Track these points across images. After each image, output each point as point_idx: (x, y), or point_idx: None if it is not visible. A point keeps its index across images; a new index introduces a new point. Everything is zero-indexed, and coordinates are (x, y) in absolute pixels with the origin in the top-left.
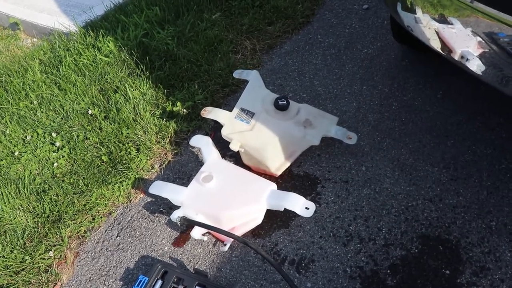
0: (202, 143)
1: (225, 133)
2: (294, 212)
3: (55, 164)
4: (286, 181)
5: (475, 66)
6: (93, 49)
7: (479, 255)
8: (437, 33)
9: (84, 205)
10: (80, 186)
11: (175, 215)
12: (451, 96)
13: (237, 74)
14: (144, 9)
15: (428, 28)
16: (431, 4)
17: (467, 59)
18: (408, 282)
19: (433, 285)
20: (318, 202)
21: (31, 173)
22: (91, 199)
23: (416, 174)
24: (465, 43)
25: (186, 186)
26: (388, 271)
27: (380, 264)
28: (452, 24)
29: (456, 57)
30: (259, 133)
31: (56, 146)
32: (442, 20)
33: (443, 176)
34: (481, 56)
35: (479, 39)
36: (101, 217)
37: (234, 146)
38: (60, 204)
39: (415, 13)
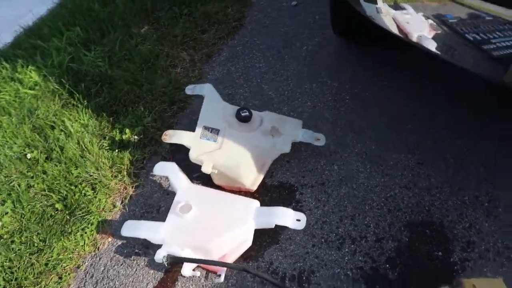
0: (167, 170)
1: (193, 156)
2: (281, 226)
3: None
4: (263, 195)
5: (430, 45)
6: (13, 83)
7: (462, 231)
8: (395, 19)
9: (46, 265)
10: (36, 244)
11: (160, 255)
12: (398, 84)
13: (189, 90)
14: (62, 30)
15: (387, 16)
16: None
17: (423, 40)
18: (408, 272)
19: (431, 269)
20: (300, 210)
21: None
22: (52, 256)
23: (386, 164)
24: (419, 27)
25: (160, 221)
26: (387, 265)
27: (377, 260)
28: (405, 9)
29: (414, 39)
30: (228, 150)
31: None
32: (398, 7)
33: (411, 162)
34: (434, 37)
35: (430, 21)
36: (68, 274)
37: (206, 169)
38: (16, 271)
39: (376, 3)
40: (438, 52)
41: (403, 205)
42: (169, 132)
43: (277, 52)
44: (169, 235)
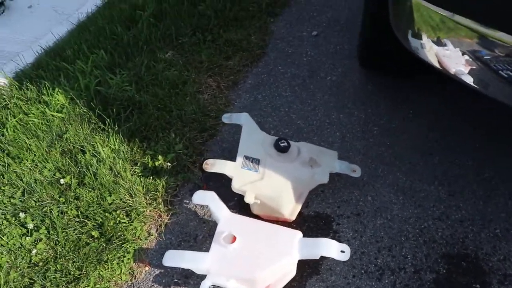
0: (207, 199)
1: (236, 186)
2: (321, 256)
3: (33, 251)
4: (300, 225)
5: (467, 79)
6: (40, 105)
7: (497, 263)
8: (436, 54)
9: None
10: (72, 272)
11: (205, 286)
12: (421, 115)
13: (226, 119)
14: (86, 53)
15: (430, 51)
16: (432, 28)
17: (460, 74)
18: None
19: None
20: (339, 240)
21: (1, 267)
22: (89, 285)
23: (418, 196)
24: (456, 62)
25: (199, 250)
26: None
27: None
28: (446, 45)
29: (452, 73)
30: (270, 180)
31: (28, 229)
32: (439, 43)
33: (441, 193)
34: (469, 71)
35: (466, 57)
36: None
37: (249, 199)
38: None
39: (421, 39)
40: (474, 86)
41: (438, 237)
42: (210, 161)
43: (302, 81)
44: (214, 266)
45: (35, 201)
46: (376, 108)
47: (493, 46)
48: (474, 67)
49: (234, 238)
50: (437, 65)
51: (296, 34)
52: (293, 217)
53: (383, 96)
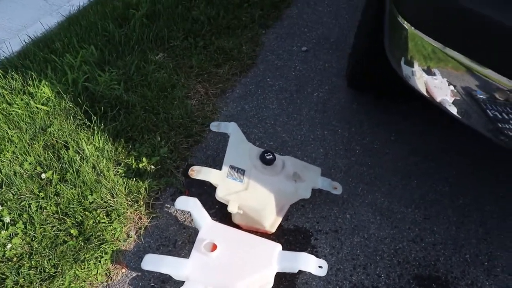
0: (190, 205)
1: (221, 195)
2: (298, 270)
3: (8, 246)
4: (279, 237)
5: (451, 108)
6: (25, 96)
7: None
8: (425, 82)
9: None
10: (47, 270)
11: None
12: (403, 138)
13: (214, 127)
14: (76, 47)
15: (420, 79)
16: (423, 57)
17: (445, 103)
18: None
19: None
20: (316, 255)
21: None
22: (63, 284)
23: (395, 217)
24: (443, 91)
25: (177, 255)
26: None
27: None
28: (435, 74)
29: (437, 101)
30: (255, 192)
31: (4, 222)
32: (429, 72)
33: (417, 216)
34: (453, 101)
35: (451, 88)
36: None
37: (232, 208)
38: None
39: (413, 67)
40: (457, 115)
41: (411, 258)
42: (196, 168)
43: (289, 95)
44: (193, 273)
45: (13, 194)
46: (360, 128)
47: (479, 81)
48: (458, 97)
49: (215, 247)
50: (425, 93)
51: (286, 48)
52: (273, 229)
53: (368, 117)
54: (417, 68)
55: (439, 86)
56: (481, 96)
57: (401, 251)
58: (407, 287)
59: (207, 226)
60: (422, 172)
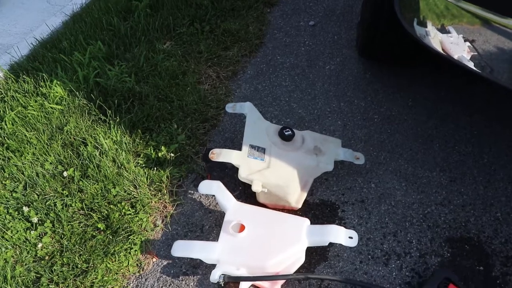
0: (213, 189)
1: (243, 175)
2: (329, 243)
3: (39, 245)
4: (305, 212)
5: (469, 64)
6: (38, 97)
7: (499, 246)
8: (441, 41)
9: (91, 287)
10: (79, 265)
11: (216, 275)
12: (420, 102)
13: (230, 108)
14: (83, 44)
15: (434, 38)
16: (436, 15)
17: (463, 60)
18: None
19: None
20: (345, 227)
21: (6, 262)
22: (97, 278)
23: (420, 182)
24: (460, 48)
25: (206, 239)
26: None
27: (423, 275)
28: (450, 32)
29: (455, 58)
30: (277, 169)
31: (32, 223)
32: (443, 30)
33: (443, 179)
34: (471, 57)
35: (468, 44)
36: None
37: (257, 188)
38: None
39: (426, 27)
40: (477, 70)
41: (441, 221)
42: (216, 150)
43: (301, 71)
44: (224, 255)
45: (37, 195)
46: (376, 96)
47: (498, 32)
48: (475, 53)
49: (243, 227)
50: (441, 52)
51: (293, 24)
52: (299, 205)
53: (383, 85)
54: (430, 27)
55: (455, 43)
56: (501, 47)
57: (430, 215)
58: (440, 251)
59: (233, 207)
60: (443, 134)
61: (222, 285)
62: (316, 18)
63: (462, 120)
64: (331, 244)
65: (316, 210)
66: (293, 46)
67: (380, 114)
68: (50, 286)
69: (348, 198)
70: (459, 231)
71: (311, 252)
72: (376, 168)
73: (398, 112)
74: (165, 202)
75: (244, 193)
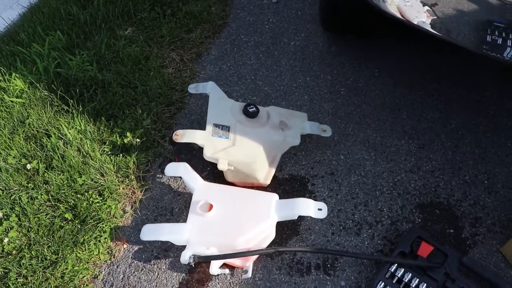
0: (180, 170)
1: (208, 154)
2: (299, 217)
3: (5, 240)
4: (275, 188)
5: (429, 28)
6: None
7: (468, 208)
8: (398, 7)
9: (62, 278)
10: (48, 257)
11: (186, 256)
12: (386, 72)
13: (192, 89)
14: (42, 35)
15: (392, 4)
16: None
17: (422, 24)
18: None
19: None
20: (315, 199)
21: None
22: (67, 268)
23: (389, 151)
24: (418, 13)
25: (176, 222)
26: None
27: (395, 242)
28: None
29: (414, 23)
30: (242, 146)
31: None
32: None
33: (411, 147)
34: (431, 20)
35: (426, 8)
36: (86, 285)
37: (222, 166)
38: (31, 287)
39: None
40: (437, 33)
41: (411, 188)
42: (180, 132)
43: (266, 49)
44: (193, 236)
45: (2, 190)
46: (342, 69)
47: None
48: (436, 16)
49: (211, 206)
50: (400, 17)
51: (256, 3)
52: (268, 181)
53: (348, 57)
54: None
55: (413, 8)
56: (461, 9)
57: (399, 183)
58: (411, 217)
59: (200, 187)
60: (411, 102)
61: (193, 265)
62: None
63: (429, 88)
64: (302, 218)
65: (286, 185)
66: (257, 25)
67: (347, 86)
68: (19, 280)
69: (317, 171)
70: (429, 196)
71: (282, 227)
72: (345, 140)
73: (364, 83)
74: (133, 187)
75: (213, 173)
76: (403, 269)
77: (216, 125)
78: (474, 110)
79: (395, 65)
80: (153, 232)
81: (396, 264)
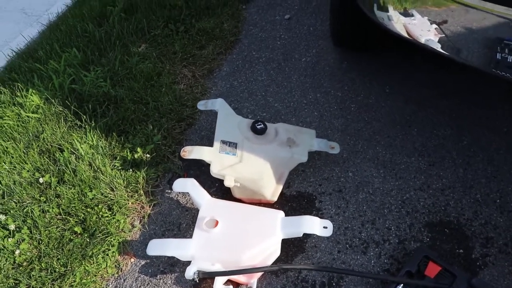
0: (188, 187)
1: (215, 170)
2: (305, 234)
3: (17, 252)
4: (282, 205)
5: (437, 46)
6: (14, 107)
7: (479, 227)
8: (404, 25)
9: None
10: (57, 270)
11: (190, 272)
12: (397, 89)
13: (201, 105)
14: (59, 52)
15: (398, 22)
16: (398, 0)
17: (430, 42)
18: None
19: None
20: (322, 217)
21: None
22: (75, 281)
23: (398, 168)
24: (426, 31)
25: (183, 237)
26: None
27: (402, 261)
28: (413, 15)
29: (422, 42)
30: (249, 163)
31: (10, 230)
32: (407, 14)
33: (421, 164)
34: (439, 39)
35: (434, 26)
36: None
37: (229, 183)
38: None
39: (388, 11)
40: (446, 52)
41: (420, 206)
42: (188, 148)
43: (277, 65)
44: (198, 251)
45: (15, 203)
46: (352, 85)
47: (466, 12)
48: (444, 35)
49: (217, 223)
50: (406, 36)
51: (269, 19)
52: (275, 198)
53: (359, 73)
54: (392, 12)
55: (420, 26)
56: (469, 27)
57: (408, 201)
58: (419, 236)
59: (206, 203)
60: (421, 119)
61: (197, 281)
62: (292, 11)
63: (441, 104)
64: (308, 235)
65: (293, 202)
66: (269, 41)
67: (357, 102)
68: None
69: (325, 188)
70: (438, 215)
71: (288, 244)
72: (354, 157)
73: (375, 99)
74: (142, 202)
75: (221, 189)
76: None
77: (223, 142)
78: (486, 127)
79: (407, 81)
80: (159, 247)
81: (402, 284)
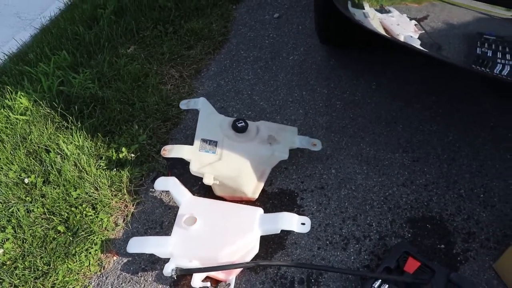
0: (169, 185)
1: (194, 169)
2: (285, 231)
3: (1, 251)
4: (264, 202)
5: (417, 43)
6: (3, 110)
7: (461, 223)
8: (381, 22)
9: None
10: (40, 268)
11: (168, 269)
12: (384, 85)
13: (184, 105)
14: (49, 55)
15: (374, 19)
16: None
17: (409, 40)
18: None
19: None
20: (303, 214)
21: None
22: (57, 279)
23: (382, 164)
24: (405, 28)
25: (165, 235)
26: None
27: (382, 257)
28: (391, 12)
29: (401, 39)
30: (229, 161)
31: None
32: (383, 10)
33: (405, 160)
34: (419, 35)
35: (414, 22)
36: None
37: (208, 180)
38: None
39: (363, 8)
40: (425, 50)
41: (402, 202)
42: (168, 147)
43: (264, 64)
44: (177, 249)
45: (1, 203)
46: (339, 83)
47: (446, 8)
48: (423, 32)
49: (195, 220)
50: (384, 33)
51: (258, 18)
52: (256, 196)
53: (346, 71)
54: (368, 9)
55: (398, 23)
56: (452, 23)
57: (391, 197)
58: (400, 232)
59: (186, 201)
60: (408, 115)
61: (175, 278)
62: (282, 10)
63: (428, 100)
64: (288, 232)
65: (275, 199)
66: (257, 40)
67: (343, 99)
68: None
69: (307, 185)
70: (421, 210)
71: (268, 241)
72: (337, 154)
73: (361, 96)
74: (126, 201)
75: (203, 187)
76: (387, 285)
77: (203, 140)
78: (473, 122)
79: (393, 78)
80: (139, 245)
81: (380, 280)
